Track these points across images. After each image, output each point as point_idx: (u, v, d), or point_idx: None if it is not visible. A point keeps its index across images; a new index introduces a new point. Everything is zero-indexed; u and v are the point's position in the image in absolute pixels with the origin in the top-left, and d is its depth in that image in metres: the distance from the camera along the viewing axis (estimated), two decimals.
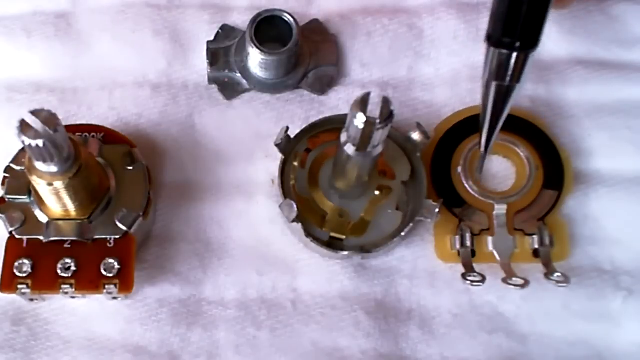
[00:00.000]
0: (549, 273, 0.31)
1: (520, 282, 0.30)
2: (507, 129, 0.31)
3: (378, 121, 0.25)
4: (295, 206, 0.30)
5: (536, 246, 0.31)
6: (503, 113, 0.28)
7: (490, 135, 0.29)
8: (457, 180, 0.33)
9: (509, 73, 0.27)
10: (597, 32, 0.36)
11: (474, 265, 0.31)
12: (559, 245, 0.32)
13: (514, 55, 0.27)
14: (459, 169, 0.33)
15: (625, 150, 0.34)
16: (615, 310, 0.32)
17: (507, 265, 0.31)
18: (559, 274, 0.30)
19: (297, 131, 0.32)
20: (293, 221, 0.30)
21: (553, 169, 0.33)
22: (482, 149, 0.30)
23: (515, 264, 0.31)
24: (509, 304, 0.32)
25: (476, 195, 0.32)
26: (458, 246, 0.32)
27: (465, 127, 0.33)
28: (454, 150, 0.33)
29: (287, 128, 0.31)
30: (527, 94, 0.34)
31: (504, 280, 0.31)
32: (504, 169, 0.34)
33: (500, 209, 0.32)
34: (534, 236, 0.32)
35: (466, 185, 0.32)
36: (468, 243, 0.31)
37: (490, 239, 0.32)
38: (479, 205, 0.32)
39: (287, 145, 0.31)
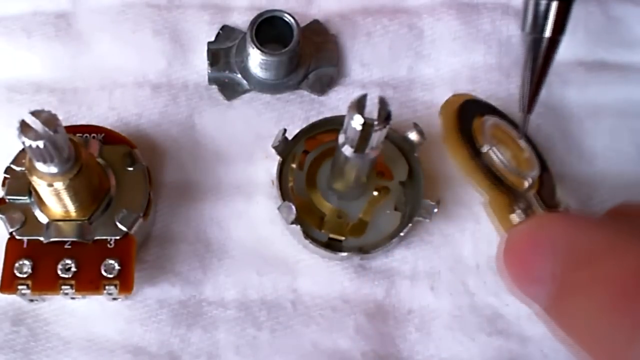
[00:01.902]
0: None
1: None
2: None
3: (376, 122, 0.25)
4: (293, 208, 0.30)
5: None
6: (546, 69, 0.27)
7: (533, 94, 0.27)
8: (488, 159, 0.29)
9: (550, 24, 0.26)
10: (598, 33, 0.36)
11: None
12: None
13: (554, 4, 0.25)
14: (485, 148, 0.29)
15: (627, 152, 0.34)
16: None
17: None
18: None
19: (296, 131, 0.32)
20: (292, 223, 0.30)
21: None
22: (524, 109, 0.28)
23: None
24: (510, 306, 0.32)
25: (510, 173, 0.29)
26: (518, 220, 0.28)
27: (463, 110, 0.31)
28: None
29: (285, 130, 0.31)
30: None
31: None
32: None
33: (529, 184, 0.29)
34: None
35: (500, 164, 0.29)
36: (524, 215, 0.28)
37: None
38: (514, 182, 0.29)
39: (284, 148, 0.31)
